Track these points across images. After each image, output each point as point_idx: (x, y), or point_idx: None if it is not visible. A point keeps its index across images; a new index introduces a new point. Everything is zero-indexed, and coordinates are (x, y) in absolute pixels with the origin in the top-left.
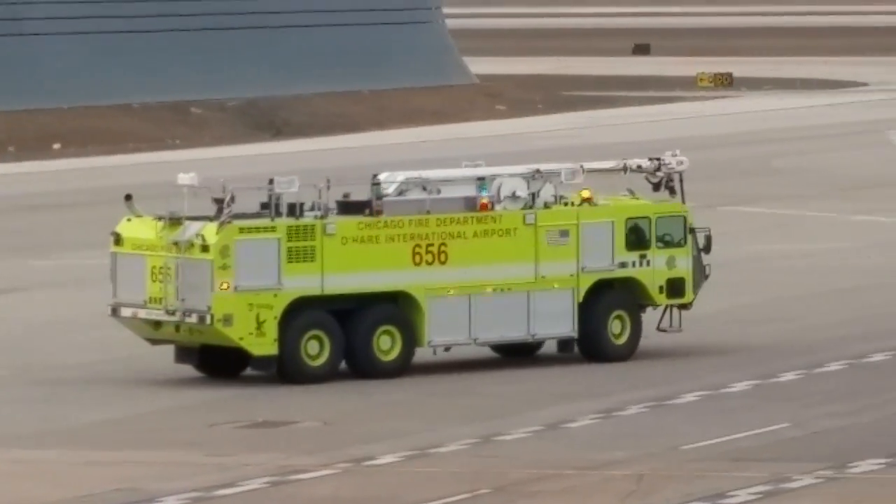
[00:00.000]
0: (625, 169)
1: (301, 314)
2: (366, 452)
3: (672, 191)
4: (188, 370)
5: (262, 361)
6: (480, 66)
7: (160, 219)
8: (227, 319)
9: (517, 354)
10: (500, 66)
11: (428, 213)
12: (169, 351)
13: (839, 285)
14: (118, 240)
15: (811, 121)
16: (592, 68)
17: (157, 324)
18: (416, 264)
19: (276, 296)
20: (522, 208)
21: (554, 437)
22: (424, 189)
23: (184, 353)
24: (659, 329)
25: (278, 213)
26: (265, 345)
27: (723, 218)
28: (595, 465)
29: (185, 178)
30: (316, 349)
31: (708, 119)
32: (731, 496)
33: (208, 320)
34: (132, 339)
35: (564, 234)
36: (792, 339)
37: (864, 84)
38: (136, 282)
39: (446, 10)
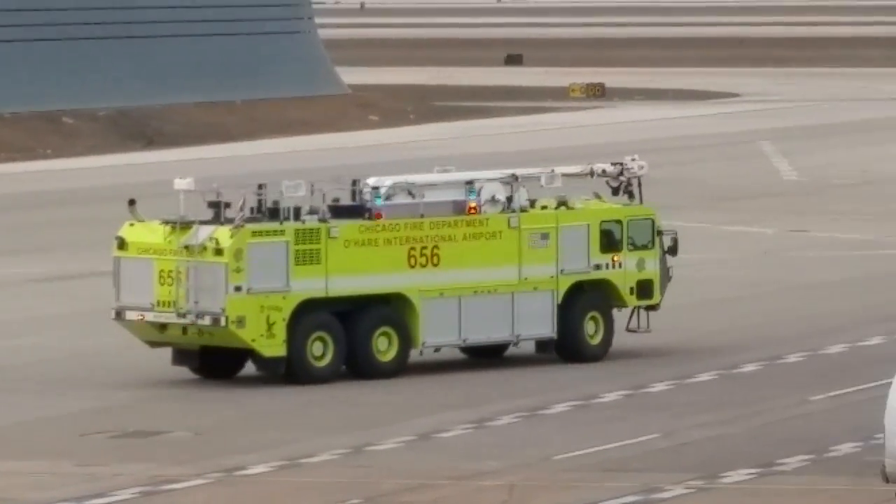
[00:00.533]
0: (591, 173)
1: (307, 316)
2: (237, 462)
3: (630, 195)
4: (56, 378)
5: (269, 362)
6: (354, 76)
7: (168, 223)
8: (241, 321)
9: (484, 356)
10: (374, 76)
11: (422, 216)
12: (33, 361)
13: (712, 296)
14: (122, 244)
15: (684, 131)
16: (465, 79)
17: (163, 327)
18: (412, 266)
19: (284, 298)
20: (501, 212)
21: (426, 448)
22: (410, 193)
23: (182, 356)
24: (628, 330)
25: (272, 217)
26: (275, 346)
27: None
28: (467, 475)
29: (181, 183)
30: (320, 350)
31: (580, 130)
32: None
33: (223, 322)
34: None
35: (545, 237)
36: (663, 349)
37: (737, 95)
38: (142, 285)
39: (319, 21)
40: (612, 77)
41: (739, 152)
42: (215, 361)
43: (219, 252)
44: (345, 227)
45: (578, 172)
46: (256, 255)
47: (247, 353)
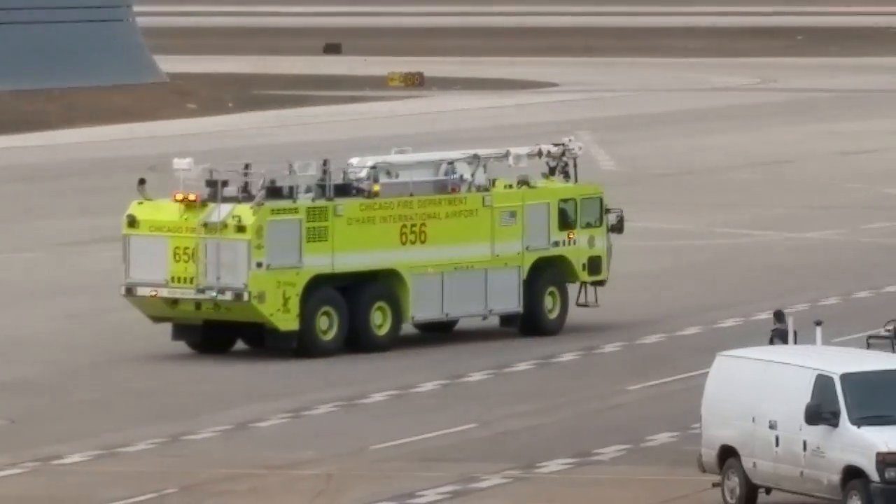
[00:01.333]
0: (540, 154)
1: (316, 291)
2: (54, 451)
3: (566, 175)
4: None
5: (283, 336)
6: (173, 64)
7: (184, 201)
8: (261, 296)
9: (435, 331)
10: (193, 64)
11: (411, 195)
12: None
13: None
14: (132, 222)
15: (503, 121)
16: (285, 67)
17: (175, 302)
18: (403, 244)
19: (298, 273)
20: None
21: (243, 437)
22: (388, 174)
23: (183, 331)
24: (578, 304)
25: (273, 195)
26: (290, 320)
27: None
28: (284, 464)
29: (181, 163)
30: (326, 324)
31: (399, 119)
32: (420, 496)
33: (245, 297)
34: None
35: (513, 215)
36: (480, 339)
37: (556, 84)
38: (154, 262)
39: (138, 9)
40: (432, 66)
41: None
42: (217, 336)
43: (241, 229)
44: (348, 206)
45: (529, 153)
46: (274, 233)
47: (252, 328)
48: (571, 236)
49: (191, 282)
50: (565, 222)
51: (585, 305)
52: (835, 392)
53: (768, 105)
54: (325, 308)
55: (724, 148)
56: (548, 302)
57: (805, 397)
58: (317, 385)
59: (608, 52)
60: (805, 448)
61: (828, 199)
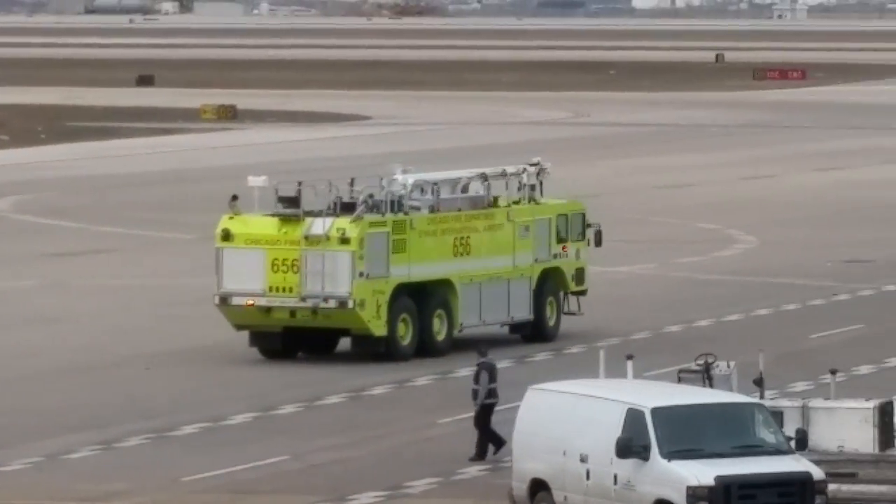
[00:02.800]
0: (504, 174)
1: (398, 299)
2: None
3: (531, 193)
4: None
5: (373, 341)
6: None
7: (281, 216)
8: (363, 304)
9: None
10: (4, 96)
11: (459, 209)
12: None
13: None
14: (227, 236)
15: (316, 153)
16: (97, 99)
17: (269, 310)
18: (455, 255)
19: (386, 282)
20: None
21: (53, 469)
22: (422, 190)
23: (262, 338)
24: (564, 313)
25: (347, 210)
26: (381, 326)
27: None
28: (95, 496)
29: (255, 181)
30: (404, 330)
31: (211, 151)
32: None
33: (350, 304)
34: None
35: (527, 228)
36: (293, 371)
37: (368, 117)
38: (250, 273)
39: None
40: (244, 99)
41: (370, 175)
42: (296, 343)
43: (345, 241)
44: (419, 219)
45: (514, 172)
46: (371, 244)
47: (327, 335)
48: (565, 249)
49: (290, 291)
50: (560, 236)
51: (572, 314)
52: (645, 426)
53: (581, 139)
54: (404, 315)
55: None
56: (548, 310)
57: (616, 431)
58: (124, 417)
59: (422, 86)
60: (616, 482)
61: (639, 233)
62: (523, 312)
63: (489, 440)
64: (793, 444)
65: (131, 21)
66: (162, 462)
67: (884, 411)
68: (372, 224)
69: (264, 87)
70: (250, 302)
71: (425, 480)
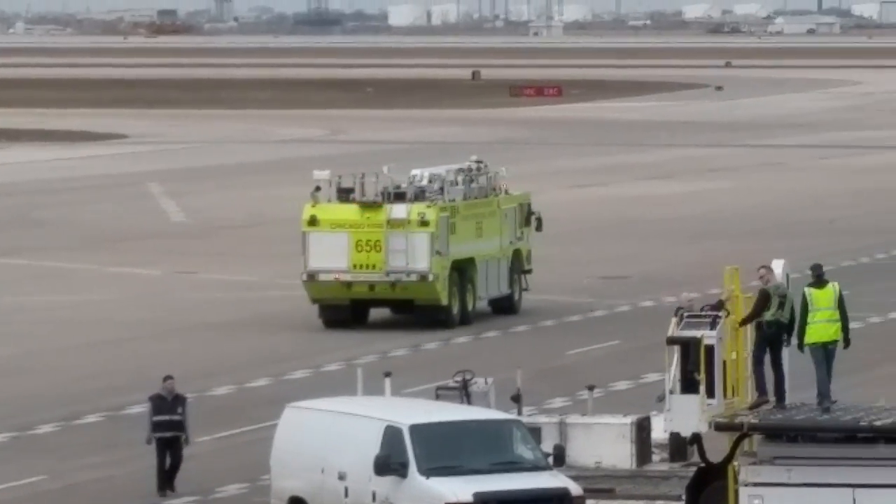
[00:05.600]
0: (477, 170)
1: (451, 274)
2: None
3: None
4: None
5: (440, 309)
6: None
7: (361, 203)
8: (437, 277)
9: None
10: None
11: (475, 198)
12: None
13: (100, 337)
14: (313, 221)
15: (72, 173)
16: None
17: (349, 285)
18: (476, 237)
19: (447, 259)
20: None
21: None
22: (431, 182)
23: (333, 310)
24: (523, 289)
25: (399, 198)
26: (447, 297)
27: None
28: None
29: (320, 174)
30: (453, 301)
31: None
32: None
33: (430, 278)
34: None
35: (506, 215)
36: (51, 390)
37: (124, 136)
38: (335, 253)
39: None
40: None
41: (127, 194)
42: (358, 313)
43: (425, 223)
44: (461, 206)
45: (479, 168)
46: (441, 226)
47: (396, 304)
48: (521, 234)
49: (372, 268)
50: (520, 221)
51: (526, 289)
52: (403, 443)
53: (337, 157)
54: (453, 288)
55: (293, 199)
56: (515, 287)
57: (374, 448)
58: None
59: (178, 104)
60: (374, 499)
61: None
62: (504, 288)
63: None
64: (550, 460)
65: None
66: None
67: (641, 427)
68: (442, 209)
69: (19, 105)
70: (336, 277)
71: (184, 499)
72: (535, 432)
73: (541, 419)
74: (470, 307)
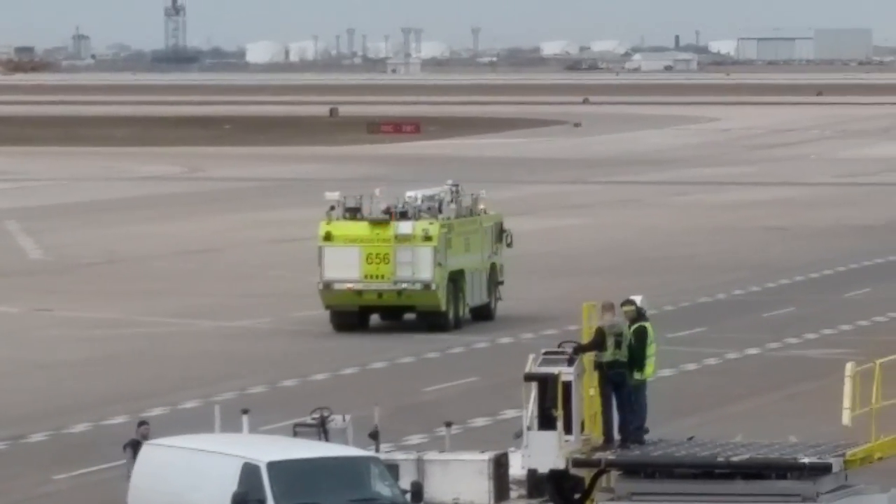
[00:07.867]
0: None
1: (447, 283)
2: None
3: (440, 210)
4: None
5: (440, 315)
6: None
7: (371, 220)
8: (439, 286)
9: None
10: None
11: (463, 216)
12: None
13: None
14: (328, 236)
15: None
16: None
17: (360, 293)
18: (464, 251)
19: (445, 269)
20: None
21: None
22: (427, 201)
23: (342, 315)
24: (498, 299)
25: (402, 216)
26: (445, 304)
27: None
28: None
29: (331, 195)
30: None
31: None
32: None
33: (433, 287)
34: None
35: (487, 231)
36: None
37: None
38: (347, 265)
39: None
40: None
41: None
42: (364, 319)
43: (428, 238)
44: (455, 223)
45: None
46: (441, 240)
47: (399, 311)
48: (496, 249)
49: (381, 278)
50: (495, 238)
51: (500, 299)
52: (261, 480)
53: (195, 194)
54: (449, 296)
55: (151, 237)
56: (493, 297)
57: (232, 485)
58: None
59: (34, 142)
60: None
61: (254, 287)
62: (485, 298)
63: None
64: (408, 496)
65: None
66: None
67: (499, 463)
68: (443, 225)
69: None
70: (349, 286)
71: None
72: (392, 469)
73: (398, 456)
74: (461, 313)
